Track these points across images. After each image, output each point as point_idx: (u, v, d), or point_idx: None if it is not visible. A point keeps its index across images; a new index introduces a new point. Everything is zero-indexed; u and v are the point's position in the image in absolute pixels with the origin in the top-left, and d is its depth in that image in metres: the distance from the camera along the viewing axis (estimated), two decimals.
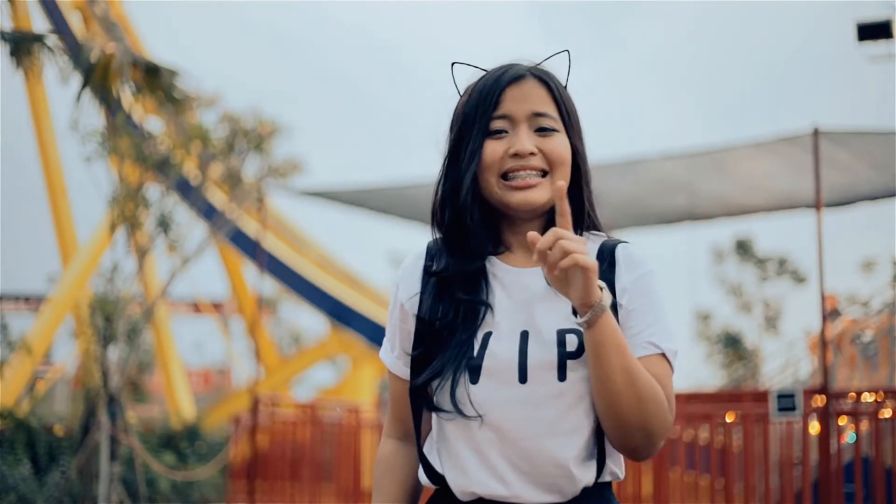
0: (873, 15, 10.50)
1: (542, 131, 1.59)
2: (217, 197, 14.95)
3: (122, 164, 10.93)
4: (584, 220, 1.66)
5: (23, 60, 10.94)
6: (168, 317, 20.40)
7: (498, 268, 1.62)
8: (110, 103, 11.01)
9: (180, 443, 14.28)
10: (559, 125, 1.61)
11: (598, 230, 1.69)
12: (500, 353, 1.54)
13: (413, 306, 1.63)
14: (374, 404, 11.71)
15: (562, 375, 1.52)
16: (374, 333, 17.89)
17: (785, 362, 12.99)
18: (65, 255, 18.98)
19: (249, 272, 21.14)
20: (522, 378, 1.52)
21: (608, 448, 1.57)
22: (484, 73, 1.65)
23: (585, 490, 1.54)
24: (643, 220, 12.25)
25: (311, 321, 32.95)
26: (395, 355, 1.68)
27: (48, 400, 20.17)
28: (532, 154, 1.57)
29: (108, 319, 10.41)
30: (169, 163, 11.18)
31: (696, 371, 31.90)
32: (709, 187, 10.78)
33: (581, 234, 1.64)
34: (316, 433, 10.61)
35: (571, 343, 1.53)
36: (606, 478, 1.58)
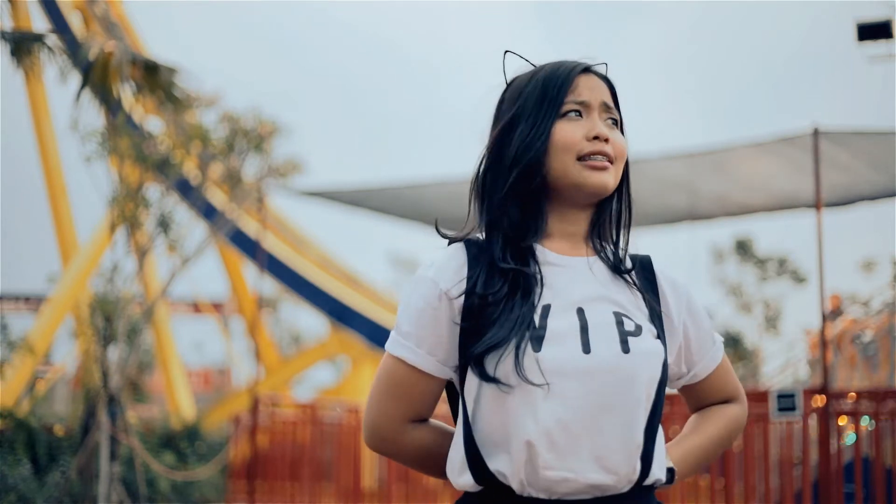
0: (873, 15, 10.48)
1: (609, 123, 1.65)
2: (217, 197, 14.96)
3: (122, 164, 10.93)
4: (612, 217, 1.69)
5: (23, 60, 10.94)
6: (168, 317, 20.40)
7: (545, 254, 1.62)
8: (110, 103, 11.01)
9: (180, 443, 14.28)
10: (618, 121, 1.68)
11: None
12: (562, 322, 1.54)
13: (460, 289, 1.57)
14: None
15: (625, 348, 1.53)
16: (374, 333, 17.88)
17: (785, 362, 12.99)
18: (65, 255, 18.98)
19: (249, 272, 21.15)
20: (586, 348, 1.52)
21: (656, 450, 1.57)
22: (533, 66, 1.69)
23: (632, 490, 1.53)
24: (643, 219, 12.24)
25: (311, 321, 32.99)
26: (423, 352, 1.59)
27: (48, 400, 20.16)
28: (607, 141, 1.62)
29: (108, 319, 10.41)
30: (169, 163, 11.18)
31: None
32: (709, 187, 10.78)
33: (626, 244, 1.69)
34: (316, 433, 10.62)
35: (629, 325, 1.56)
36: (651, 480, 1.56)
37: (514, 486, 1.51)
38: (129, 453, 10.97)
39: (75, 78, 11.17)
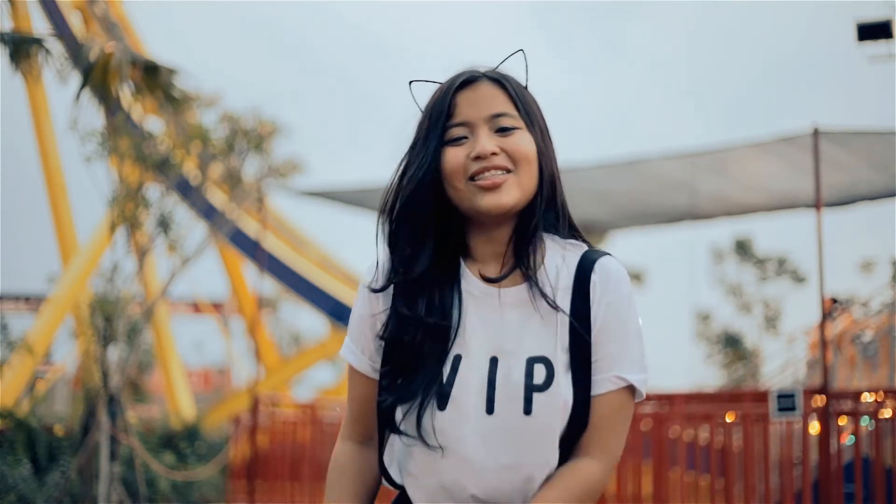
0: (873, 15, 10.48)
1: (502, 131, 1.55)
2: (217, 197, 14.95)
3: (122, 164, 10.93)
4: (535, 226, 1.57)
5: (21, 63, 10.95)
6: (168, 317, 20.39)
7: (469, 281, 1.58)
8: (110, 103, 11.01)
9: (180, 443, 14.28)
10: (520, 123, 1.57)
11: (576, 231, 1.64)
12: (469, 381, 1.52)
13: (381, 321, 1.60)
14: None
15: (528, 408, 1.50)
16: None
17: (785, 362, 12.98)
18: (65, 255, 18.98)
19: (249, 272, 21.15)
20: (489, 409, 1.51)
21: None
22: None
23: None
24: (643, 219, 12.26)
25: (311, 321, 32.99)
26: (366, 357, 1.64)
27: (48, 400, 20.15)
28: (494, 154, 1.53)
29: (108, 319, 10.41)
30: (169, 163, 11.18)
31: (696, 371, 31.94)
32: (709, 187, 10.79)
33: (540, 241, 1.58)
34: (316, 433, 10.61)
35: (539, 375, 1.51)
36: None
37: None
38: (129, 453, 10.96)
39: (75, 78, 11.18)
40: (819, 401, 6.81)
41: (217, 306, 29.89)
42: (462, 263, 1.60)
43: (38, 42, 11.15)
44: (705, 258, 33.56)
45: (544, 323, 1.55)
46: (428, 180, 1.56)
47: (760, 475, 6.98)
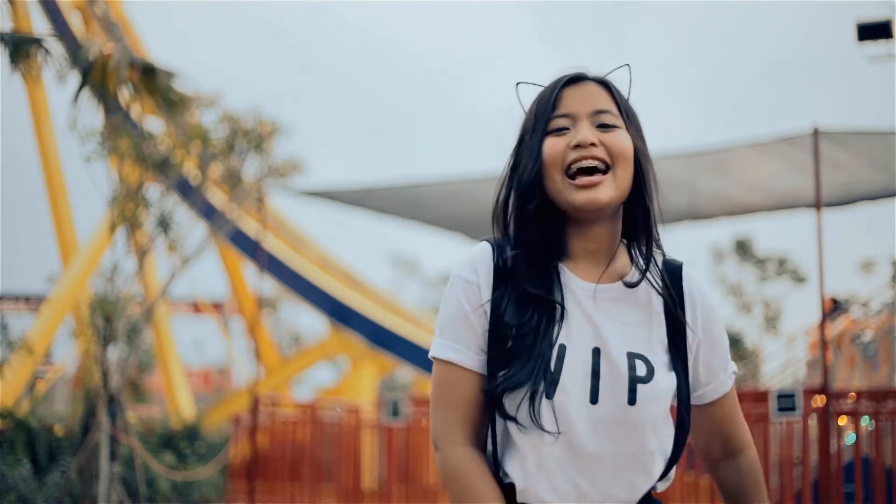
0: (873, 15, 10.48)
1: (603, 127, 1.60)
2: (217, 197, 14.95)
3: (122, 164, 10.92)
4: (650, 231, 1.63)
5: (21, 63, 10.95)
6: (168, 317, 20.38)
7: (568, 277, 1.61)
8: (109, 103, 11.01)
9: (180, 443, 14.28)
10: (621, 123, 1.62)
11: (657, 240, 1.67)
12: (575, 370, 1.54)
13: (486, 312, 1.59)
14: (374, 404, 11.71)
15: (632, 399, 1.54)
16: (374, 333, 17.88)
17: (785, 362, 12.98)
18: (65, 255, 18.98)
19: (249, 272, 21.15)
20: (594, 398, 1.54)
21: (671, 472, 1.64)
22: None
23: None
24: None
25: (311, 321, 33.00)
26: (472, 352, 1.60)
27: (48, 400, 20.15)
28: (594, 145, 1.58)
29: (108, 319, 10.40)
30: (169, 163, 11.17)
31: None
32: (709, 187, 10.79)
33: (651, 254, 1.63)
34: (316, 433, 10.61)
35: (641, 368, 1.56)
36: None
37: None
38: (129, 453, 10.96)
39: (75, 78, 11.18)
40: (819, 401, 6.82)
41: (217, 306, 29.87)
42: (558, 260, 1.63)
43: (38, 42, 11.15)
44: (705, 258, 33.60)
45: (641, 320, 1.61)
46: (538, 170, 1.60)
47: None
